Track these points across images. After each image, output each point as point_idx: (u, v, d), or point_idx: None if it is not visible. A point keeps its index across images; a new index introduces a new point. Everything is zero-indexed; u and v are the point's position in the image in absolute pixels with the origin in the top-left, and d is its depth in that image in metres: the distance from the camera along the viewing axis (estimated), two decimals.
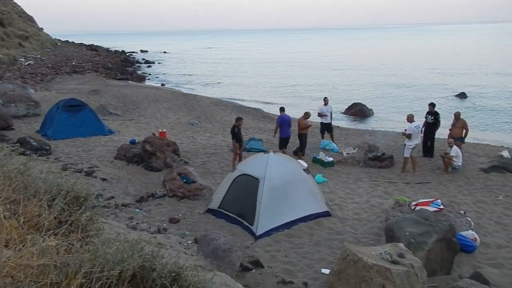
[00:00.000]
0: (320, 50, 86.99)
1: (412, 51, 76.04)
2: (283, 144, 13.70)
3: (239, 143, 12.28)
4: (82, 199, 3.66)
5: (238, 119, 12.47)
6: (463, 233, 7.80)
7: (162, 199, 10.13)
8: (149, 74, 47.38)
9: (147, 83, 40.12)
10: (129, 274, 2.67)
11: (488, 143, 17.47)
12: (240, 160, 11.83)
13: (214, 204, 9.29)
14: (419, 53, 69.49)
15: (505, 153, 13.63)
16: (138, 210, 9.47)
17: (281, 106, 14.72)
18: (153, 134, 14.10)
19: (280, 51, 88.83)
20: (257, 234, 8.19)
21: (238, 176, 9.10)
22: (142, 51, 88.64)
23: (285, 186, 8.74)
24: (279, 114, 14.24)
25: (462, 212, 8.87)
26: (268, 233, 8.32)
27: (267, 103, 28.17)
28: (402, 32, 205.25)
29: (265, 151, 10.54)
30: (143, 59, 65.78)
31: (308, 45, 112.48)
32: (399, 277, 5.20)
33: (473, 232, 7.97)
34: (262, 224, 8.28)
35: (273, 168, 8.75)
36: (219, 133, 18.00)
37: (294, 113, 17.35)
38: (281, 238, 8.27)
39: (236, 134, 12.19)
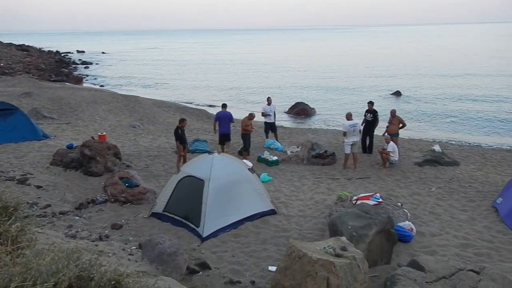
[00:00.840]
0: (264, 51, 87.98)
1: (351, 52, 79.09)
2: (221, 140, 13.72)
3: (183, 145, 12.11)
4: (12, 209, 3.42)
5: (182, 120, 12.29)
6: (401, 224, 8.21)
7: (103, 205, 9.74)
8: (87, 76, 45.49)
9: (85, 84, 38.49)
10: (65, 285, 2.53)
11: (422, 139, 18.59)
12: (184, 161, 11.67)
13: (159, 207, 9.07)
14: (357, 54, 72.38)
15: (437, 148, 14.52)
16: (77, 217, 9.03)
17: (223, 102, 14.79)
18: (92, 137, 13.53)
19: (223, 51, 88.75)
20: (204, 235, 8.11)
21: (182, 178, 8.95)
22: (78, 51, 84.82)
23: (231, 186, 8.73)
24: None
25: (399, 204, 9.35)
26: (214, 234, 8.26)
27: (210, 105, 28.00)
28: (341, 33, 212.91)
29: (209, 152, 10.46)
30: (80, 59, 63.05)
31: (252, 46, 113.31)
32: (342, 269, 5.37)
33: (410, 222, 8.42)
34: (208, 226, 8.21)
35: (218, 169, 8.70)
36: (162, 135, 17.64)
37: (239, 114, 17.43)
38: (227, 239, 8.25)
39: (179, 135, 12.00)
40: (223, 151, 12.75)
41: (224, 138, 13.68)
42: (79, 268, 2.64)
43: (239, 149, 14.21)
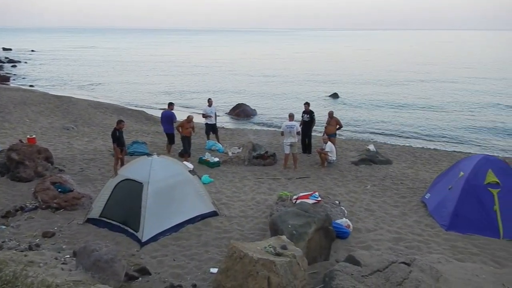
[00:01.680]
0: (205, 52, 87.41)
1: (295, 55, 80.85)
2: (168, 140, 13.70)
3: (121, 147, 11.69)
4: None
5: (119, 122, 11.87)
6: (338, 221, 8.50)
7: (33, 212, 9.15)
8: (14, 75, 42.58)
9: (12, 84, 35.96)
10: None
11: (358, 138, 19.43)
12: (122, 164, 11.27)
13: (95, 212, 8.68)
14: (298, 57, 74.16)
15: (371, 147, 15.21)
16: (3, 226, 8.41)
17: (170, 101, 14.71)
18: (20, 140, 12.64)
19: (163, 52, 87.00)
20: (143, 240, 7.88)
21: (120, 181, 8.63)
22: (4, 49, 79.05)
23: (171, 189, 8.55)
24: None
25: (337, 202, 9.67)
26: (154, 238, 8.05)
27: (150, 107, 27.33)
28: (284, 36, 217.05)
29: (148, 154, 10.18)
30: (6, 58, 58.84)
31: (193, 46, 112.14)
32: (283, 267, 5.45)
33: (347, 219, 8.75)
34: (147, 230, 7.98)
35: (157, 171, 8.49)
36: (98, 137, 16.92)
37: (178, 116, 17.15)
38: (168, 242, 8.07)
39: (117, 137, 11.58)
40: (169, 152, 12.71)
41: (169, 138, 13.59)
42: (2, 281, 2.44)
43: (180, 151, 14.00)
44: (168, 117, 13.68)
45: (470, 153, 16.28)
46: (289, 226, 7.18)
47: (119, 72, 48.59)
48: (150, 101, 29.55)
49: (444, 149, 17.91)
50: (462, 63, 58.89)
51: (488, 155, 11.03)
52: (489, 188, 8.93)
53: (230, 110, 25.58)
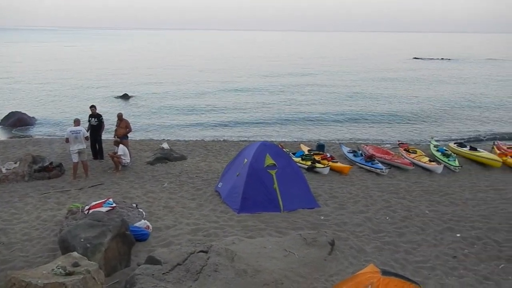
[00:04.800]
0: None
1: (77, 55, 74.59)
2: None
3: None
4: None
5: None
6: (137, 224, 8.30)
7: None
8: None
9: None
10: None
11: (152, 138, 19.37)
12: None
13: None
14: (82, 57, 68.86)
15: (165, 145, 15.38)
16: None
17: None
18: None
19: None
20: None
21: None
22: None
23: None
24: None
25: (134, 205, 9.42)
26: None
27: None
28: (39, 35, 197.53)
29: None
30: None
31: None
32: (76, 287, 4.98)
33: (145, 221, 8.62)
34: None
35: None
36: None
37: None
38: None
39: None
40: None
41: None
42: None
43: None
44: None
45: (254, 140, 18.18)
46: (82, 240, 6.62)
47: None
48: None
49: (232, 139, 19.51)
50: (237, 63, 65.22)
51: (265, 141, 12.53)
52: (268, 170, 10.17)
53: (2, 120, 21.97)
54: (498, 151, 14.89)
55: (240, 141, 19.02)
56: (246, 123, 23.54)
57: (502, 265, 7.53)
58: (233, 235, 8.32)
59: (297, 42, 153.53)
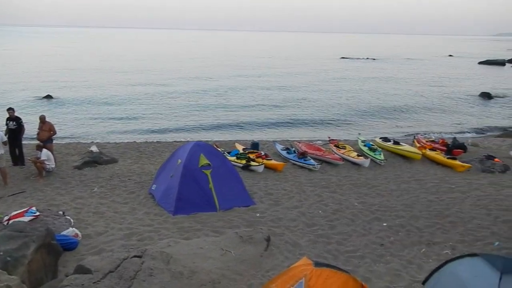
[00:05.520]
0: None
1: None
2: None
3: None
4: None
5: None
6: (64, 232, 7.85)
7: None
8: None
9: None
10: None
11: (80, 141, 18.41)
12: None
13: None
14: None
15: (94, 148, 14.68)
16: None
17: None
18: None
19: None
20: None
21: None
22: None
23: None
24: None
25: (61, 212, 8.90)
26: None
27: None
28: None
29: None
30: None
31: None
32: None
33: (74, 228, 8.17)
34: None
35: None
36: None
37: None
38: None
39: None
40: None
41: None
42: None
43: None
44: None
45: (188, 141, 17.94)
46: (1, 253, 6.11)
47: None
48: None
49: (165, 140, 19.12)
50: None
51: (199, 141, 12.42)
52: (203, 170, 10.11)
53: None
54: (418, 145, 16.05)
55: (175, 141, 18.69)
56: (181, 125, 23.18)
57: (423, 249, 8.13)
58: (169, 238, 8.16)
59: (221, 41, 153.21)
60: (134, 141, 18.69)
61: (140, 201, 10.52)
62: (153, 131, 21.37)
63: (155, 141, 18.97)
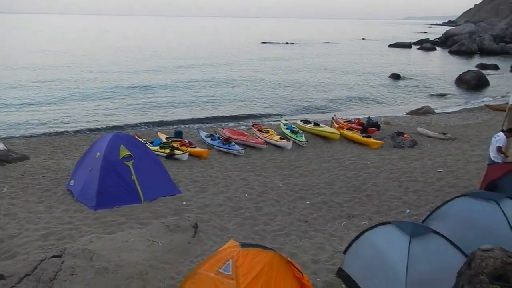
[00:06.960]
0: None
1: None
2: None
3: None
4: None
5: None
6: None
7: None
8: None
9: None
10: None
11: None
12: None
13: None
14: None
15: (1, 146, 13.48)
16: None
17: None
18: None
19: None
20: None
21: None
22: None
23: None
24: None
25: None
26: None
27: None
28: None
29: None
30: None
31: None
32: None
33: None
34: None
35: None
36: None
37: None
38: None
39: None
40: None
41: None
42: None
43: None
44: None
45: (104, 132, 17.16)
46: None
47: None
48: None
49: (82, 133, 18.11)
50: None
51: (118, 132, 11.94)
52: (124, 162, 9.75)
53: None
54: (336, 125, 16.88)
55: (92, 134, 17.77)
56: (97, 114, 22.04)
57: (344, 223, 8.65)
58: (91, 234, 7.80)
59: (135, 29, 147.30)
60: (46, 135, 17.46)
61: (57, 198, 9.90)
62: (65, 123, 19.96)
63: (71, 133, 17.92)
